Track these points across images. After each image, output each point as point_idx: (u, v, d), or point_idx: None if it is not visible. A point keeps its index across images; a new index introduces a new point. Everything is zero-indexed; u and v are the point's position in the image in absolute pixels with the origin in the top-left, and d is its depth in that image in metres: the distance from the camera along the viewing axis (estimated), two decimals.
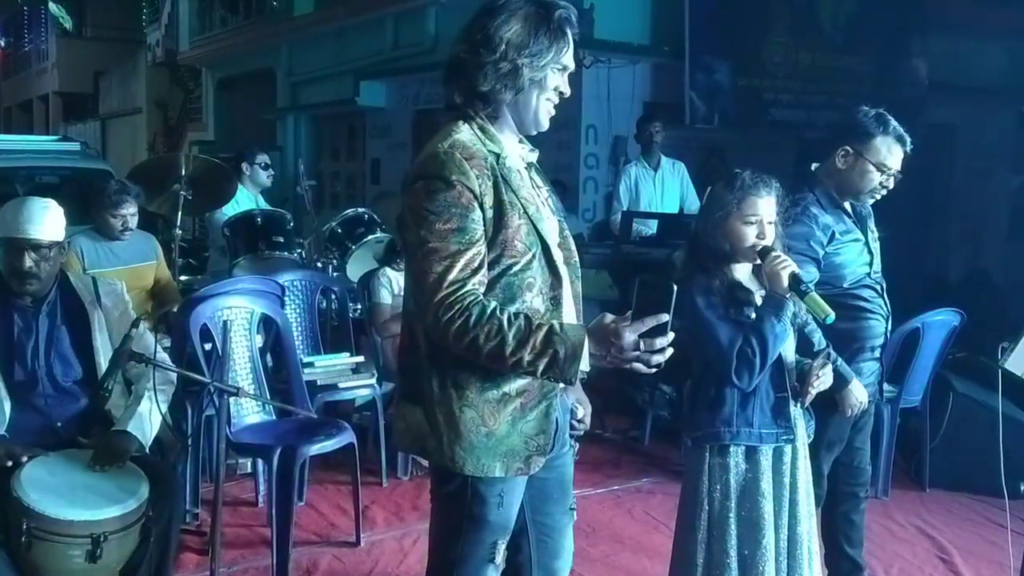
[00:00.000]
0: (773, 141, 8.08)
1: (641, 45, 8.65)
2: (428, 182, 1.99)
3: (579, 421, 2.34)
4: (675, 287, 1.95)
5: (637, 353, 1.91)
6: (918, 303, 5.04)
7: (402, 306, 2.31)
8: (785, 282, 2.62)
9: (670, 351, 1.93)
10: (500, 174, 2.04)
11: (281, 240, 5.40)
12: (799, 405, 2.79)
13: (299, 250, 5.61)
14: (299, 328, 4.80)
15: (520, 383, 2.07)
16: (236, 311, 3.91)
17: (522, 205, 2.06)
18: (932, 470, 4.89)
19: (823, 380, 2.77)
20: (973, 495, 4.66)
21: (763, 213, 2.67)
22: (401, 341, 2.23)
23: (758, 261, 2.69)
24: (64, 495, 2.64)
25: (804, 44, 9.22)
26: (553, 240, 2.14)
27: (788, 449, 2.76)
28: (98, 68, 23.98)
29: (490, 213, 2.01)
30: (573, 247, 2.27)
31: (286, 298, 4.56)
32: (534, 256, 2.07)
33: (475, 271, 1.98)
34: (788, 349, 2.78)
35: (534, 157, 2.21)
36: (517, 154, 2.16)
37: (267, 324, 4.12)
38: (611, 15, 8.32)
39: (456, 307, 1.94)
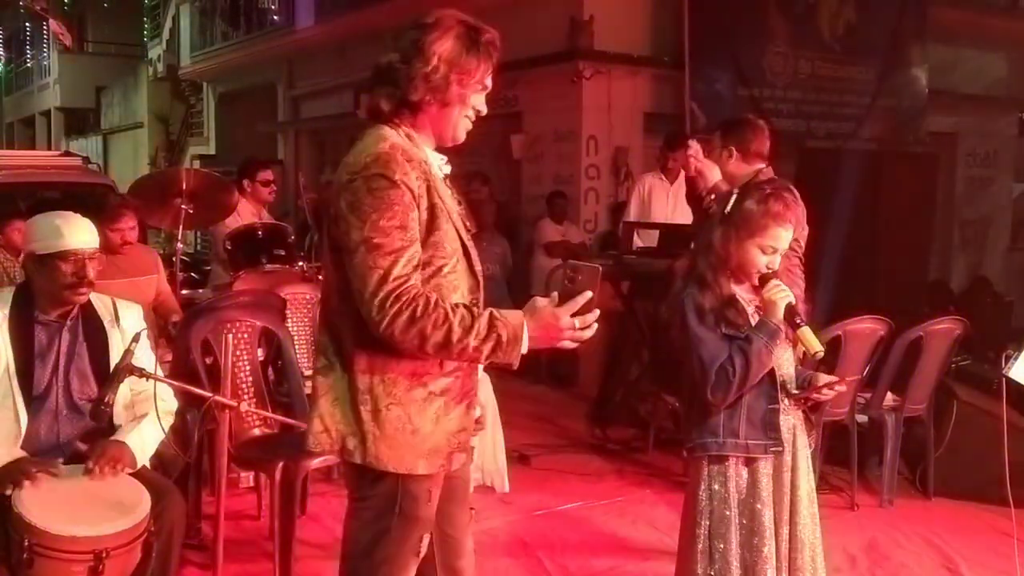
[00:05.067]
0: (773, 151, 8.08)
1: (641, 56, 8.65)
2: (371, 180, 2.03)
3: (476, 422, 2.34)
4: (600, 268, 2.07)
5: (572, 332, 2.00)
6: (920, 312, 5.04)
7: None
8: (780, 313, 2.64)
9: (596, 327, 2.03)
10: (430, 179, 2.11)
11: (283, 253, 5.40)
12: (791, 409, 2.79)
13: (301, 263, 5.61)
14: (301, 341, 4.78)
15: (443, 382, 2.13)
16: (238, 325, 3.91)
17: (447, 210, 2.13)
18: (937, 479, 4.87)
19: (826, 393, 2.77)
20: (978, 504, 4.63)
21: (781, 245, 2.69)
22: (317, 343, 2.24)
23: (756, 283, 2.71)
24: (65, 511, 2.62)
25: (804, 54, 9.24)
26: (471, 248, 2.21)
27: (788, 458, 2.76)
28: (100, 83, 24.08)
29: (424, 215, 2.08)
30: (479, 263, 2.29)
31: (288, 311, 4.55)
32: (457, 260, 2.15)
33: (416, 267, 2.05)
34: (787, 362, 2.79)
35: (448, 170, 2.27)
36: (436, 164, 2.22)
37: (269, 337, 4.11)
38: (611, 26, 8.34)
39: (403, 299, 1.99)
